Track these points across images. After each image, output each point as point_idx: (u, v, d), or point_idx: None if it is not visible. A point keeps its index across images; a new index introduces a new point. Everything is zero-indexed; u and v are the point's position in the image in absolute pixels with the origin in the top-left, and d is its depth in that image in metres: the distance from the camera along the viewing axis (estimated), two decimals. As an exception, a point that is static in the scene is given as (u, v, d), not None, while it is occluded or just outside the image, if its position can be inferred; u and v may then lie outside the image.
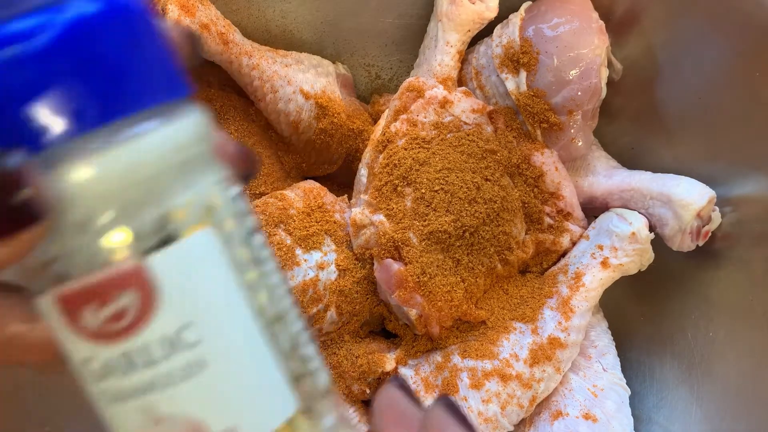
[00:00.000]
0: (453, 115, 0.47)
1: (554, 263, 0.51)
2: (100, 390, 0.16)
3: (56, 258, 0.15)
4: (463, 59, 0.53)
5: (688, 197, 0.47)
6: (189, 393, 0.16)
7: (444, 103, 0.47)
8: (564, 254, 0.50)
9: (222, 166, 0.17)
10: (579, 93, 0.48)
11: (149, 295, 0.15)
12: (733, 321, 0.47)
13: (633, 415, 0.47)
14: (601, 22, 0.49)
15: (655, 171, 0.50)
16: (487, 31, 0.53)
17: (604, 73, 0.49)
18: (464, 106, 0.48)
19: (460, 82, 0.54)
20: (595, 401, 0.46)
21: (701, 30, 0.47)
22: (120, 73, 0.15)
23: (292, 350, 0.18)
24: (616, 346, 0.50)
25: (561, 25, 0.48)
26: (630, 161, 0.52)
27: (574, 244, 0.50)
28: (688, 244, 0.47)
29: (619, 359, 0.49)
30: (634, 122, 0.53)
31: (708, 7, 0.46)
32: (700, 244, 0.48)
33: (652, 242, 0.48)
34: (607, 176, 0.51)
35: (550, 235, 0.50)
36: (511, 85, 0.50)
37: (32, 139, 0.14)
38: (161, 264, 0.15)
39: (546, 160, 0.49)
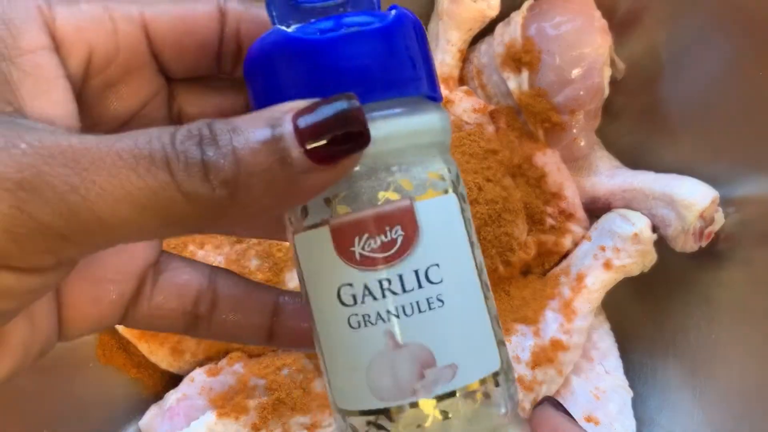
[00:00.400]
0: (454, 115, 0.47)
1: (556, 264, 0.50)
2: (352, 312, 0.19)
3: (339, 194, 0.19)
4: (465, 58, 0.53)
5: (691, 198, 0.46)
6: (427, 324, 0.19)
7: (445, 103, 0.47)
8: (566, 255, 0.50)
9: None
10: (581, 92, 0.48)
11: (413, 233, 0.19)
12: (736, 322, 0.46)
13: (635, 417, 0.47)
14: (604, 21, 0.49)
15: (657, 171, 0.49)
16: (488, 30, 0.52)
17: (607, 72, 0.49)
18: (465, 105, 0.47)
19: (462, 81, 0.53)
20: (598, 404, 0.46)
21: (704, 29, 0.47)
22: (416, 64, 0.20)
23: (496, 318, 0.20)
24: (619, 348, 0.50)
25: (563, 24, 0.48)
26: (632, 161, 0.52)
27: (576, 244, 0.50)
28: (691, 245, 0.47)
29: (621, 361, 0.49)
30: (636, 122, 0.52)
31: (711, 5, 0.46)
32: (703, 245, 0.47)
33: (655, 243, 0.47)
34: (609, 176, 0.51)
35: (552, 235, 0.49)
36: (512, 84, 0.49)
37: (359, 93, 0.18)
38: (424, 210, 0.19)
39: (548, 160, 0.49)
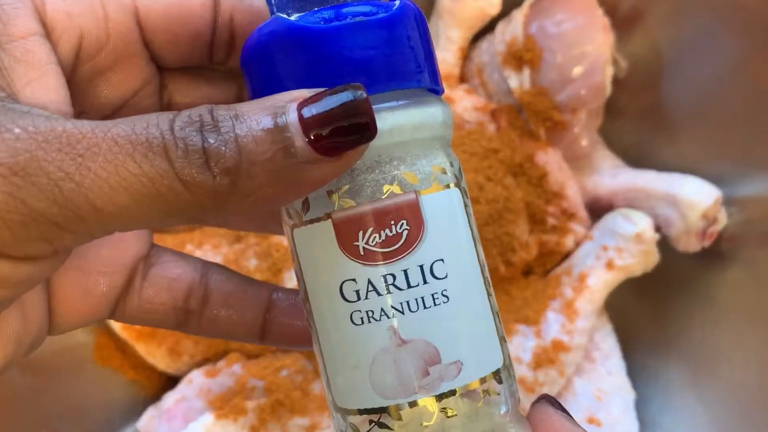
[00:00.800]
0: (455, 113, 0.47)
1: (558, 264, 0.50)
2: (355, 309, 0.19)
3: (342, 187, 0.19)
4: (465, 56, 0.53)
5: (694, 197, 0.46)
6: (432, 320, 0.18)
7: (445, 101, 0.46)
8: (568, 255, 0.50)
9: None
10: (583, 91, 0.48)
11: (418, 227, 0.19)
12: (739, 323, 0.46)
13: (638, 418, 0.47)
14: (606, 19, 0.48)
15: (660, 170, 0.49)
16: (489, 28, 0.52)
17: (609, 70, 0.48)
18: (466, 104, 0.47)
19: (462, 79, 0.53)
20: (600, 405, 0.45)
21: (707, 26, 0.47)
22: (420, 55, 0.19)
23: (497, 314, 0.20)
24: (621, 349, 0.49)
25: (565, 22, 0.48)
26: (635, 160, 0.52)
27: (578, 244, 0.49)
28: (693, 245, 0.47)
29: (624, 362, 0.48)
30: (639, 120, 0.52)
31: (714, 3, 0.46)
32: (706, 245, 0.47)
33: (657, 243, 0.47)
34: (611, 176, 0.50)
35: (554, 235, 0.49)
36: (514, 82, 0.49)
37: (364, 84, 0.17)
38: (429, 204, 0.19)
39: (549, 159, 0.49)
